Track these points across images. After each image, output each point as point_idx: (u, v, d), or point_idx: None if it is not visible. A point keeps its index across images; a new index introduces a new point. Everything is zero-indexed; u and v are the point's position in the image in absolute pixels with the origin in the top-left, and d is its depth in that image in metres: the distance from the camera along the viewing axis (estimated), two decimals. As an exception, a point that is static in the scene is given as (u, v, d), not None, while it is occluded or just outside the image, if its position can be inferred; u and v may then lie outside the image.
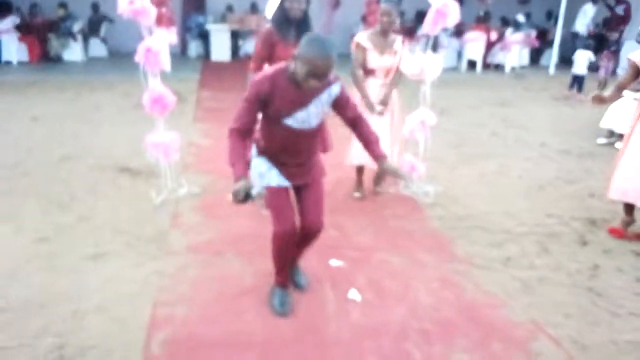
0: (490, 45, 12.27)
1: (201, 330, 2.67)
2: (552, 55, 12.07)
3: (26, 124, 6.65)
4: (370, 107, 4.08)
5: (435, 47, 13.08)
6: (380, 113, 4.13)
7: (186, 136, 6.05)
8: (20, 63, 11.27)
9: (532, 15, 13.71)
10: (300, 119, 2.51)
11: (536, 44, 12.73)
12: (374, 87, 4.21)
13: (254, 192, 2.38)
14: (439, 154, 5.80)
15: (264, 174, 2.67)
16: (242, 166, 2.43)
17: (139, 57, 4.10)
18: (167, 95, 4.25)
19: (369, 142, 2.65)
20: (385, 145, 4.17)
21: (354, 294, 3.04)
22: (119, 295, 2.96)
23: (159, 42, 4.14)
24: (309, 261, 3.32)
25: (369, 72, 4.20)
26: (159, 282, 3.10)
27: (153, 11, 4.08)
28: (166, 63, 4.19)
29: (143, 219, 3.97)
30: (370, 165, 4.23)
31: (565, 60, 11.33)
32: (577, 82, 9.31)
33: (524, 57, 12.89)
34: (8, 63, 11.19)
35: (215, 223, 3.93)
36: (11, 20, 11.11)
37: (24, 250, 3.47)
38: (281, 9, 3.62)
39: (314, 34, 2.42)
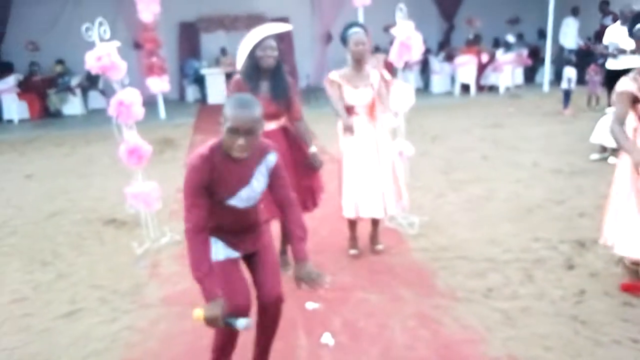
0: (482, 68, 12.31)
1: (165, 388, 2.61)
2: (545, 73, 12.05)
3: (20, 182, 6.75)
4: (343, 120, 3.74)
5: (427, 73, 13.20)
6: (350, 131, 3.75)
7: (175, 182, 6.08)
8: (22, 121, 11.53)
9: (525, 35, 13.79)
10: (245, 197, 2.29)
11: (529, 62, 12.75)
12: (357, 127, 3.79)
13: (241, 324, 2.16)
14: (428, 181, 5.76)
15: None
16: (213, 282, 2.16)
17: (111, 111, 4.16)
18: (142, 146, 4.28)
19: (294, 234, 2.37)
20: (376, 190, 3.86)
21: (327, 338, 2.96)
22: (87, 354, 2.92)
23: (132, 95, 4.19)
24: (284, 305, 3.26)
25: (348, 110, 3.84)
26: (129, 338, 3.05)
27: (123, 65, 4.14)
28: (140, 114, 4.24)
29: (122, 272, 3.94)
30: (367, 216, 3.93)
31: (560, 77, 11.31)
32: (565, 97, 9.29)
33: (518, 76, 12.88)
34: (10, 122, 11.45)
35: (193, 271, 3.88)
36: (13, 79, 11.44)
37: (0, 312, 3.46)
38: (251, 58, 3.34)
39: (239, 95, 2.28)
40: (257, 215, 2.45)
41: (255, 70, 3.36)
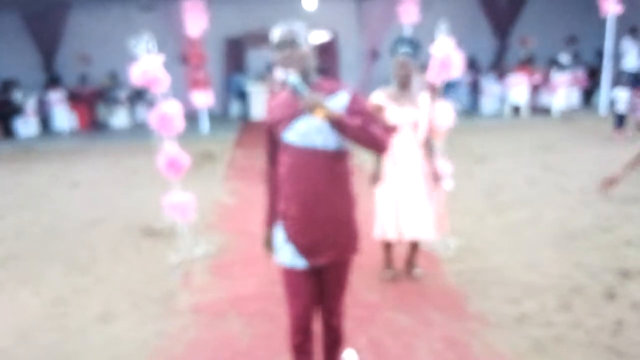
0: (535, 88, 11.98)
1: (185, 396, 2.63)
2: (602, 95, 11.59)
3: (66, 190, 7.04)
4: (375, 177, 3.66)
5: (476, 93, 12.93)
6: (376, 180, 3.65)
7: (213, 195, 6.21)
8: (71, 131, 12.04)
9: (582, 54, 13.34)
10: (301, 132, 2.15)
11: (585, 83, 12.30)
12: (399, 146, 3.63)
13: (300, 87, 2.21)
14: (468, 204, 5.63)
15: (280, 247, 2.31)
16: (273, 215, 2.39)
17: (153, 123, 4.28)
18: (181, 157, 4.39)
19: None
20: (426, 212, 3.71)
21: (350, 355, 2.91)
22: (117, 356, 3.00)
23: (173, 108, 4.31)
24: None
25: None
26: (157, 343, 3.11)
27: (166, 79, 4.26)
28: (180, 127, 4.34)
29: (156, 279, 4.03)
30: (404, 239, 3.74)
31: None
32: (619, 121, 8.89)
33: (574, 98, 12.44)
34: (60, 132, 11.99)
35: (224, 283, 3.94)
36: (61, 92, 12.05)
37: (39, 311, 3.62)
38: None
39: None
40: (326, 178, 2.21)
41: None
